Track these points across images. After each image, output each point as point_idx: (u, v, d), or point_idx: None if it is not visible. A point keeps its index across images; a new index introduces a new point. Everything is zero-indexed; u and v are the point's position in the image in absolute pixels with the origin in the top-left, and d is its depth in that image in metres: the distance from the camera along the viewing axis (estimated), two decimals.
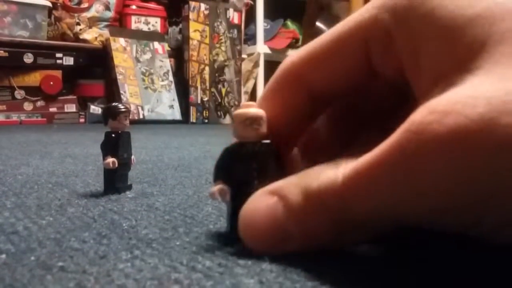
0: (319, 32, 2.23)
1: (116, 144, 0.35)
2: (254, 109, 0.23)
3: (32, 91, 1.87)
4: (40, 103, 1.91)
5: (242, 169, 0.23)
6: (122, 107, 0.35)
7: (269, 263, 0.20)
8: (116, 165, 0.34)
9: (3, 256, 0.20)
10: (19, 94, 1.87)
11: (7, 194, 0.34)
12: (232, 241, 0.22)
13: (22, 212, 0.28)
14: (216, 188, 0.23)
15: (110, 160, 0.34)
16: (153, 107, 1.99)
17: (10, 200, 0.32)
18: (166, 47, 2.06)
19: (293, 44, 2.23)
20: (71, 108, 1.95)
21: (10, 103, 1.85)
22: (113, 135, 0.35)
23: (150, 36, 2.05)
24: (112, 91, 1.94)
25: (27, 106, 1.89)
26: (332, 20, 2.42)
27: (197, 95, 2.06)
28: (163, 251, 0.21)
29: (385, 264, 0.20)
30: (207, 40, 2.06)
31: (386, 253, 0.21)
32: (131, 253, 0.21)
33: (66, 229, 0.25)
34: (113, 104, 0.35)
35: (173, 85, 2.02)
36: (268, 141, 0.23)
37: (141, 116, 1.94)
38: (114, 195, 0.34)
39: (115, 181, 0.35)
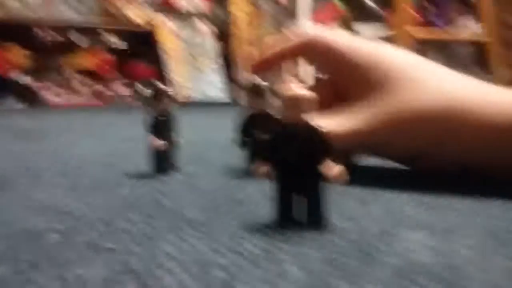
0: (363, 5, 2.12)
1: (162, 126, 0.35)
2: (300, 90, 0.22)
3: (88, 75, 1.93)
4: (95, 86, 1.98)
5: (285, 150, 0.23)
6: (167, 89, 0.35)
7: (315, 250, 0.19)
8: (163, 146, 0.35)
9: (56, 235, 0.21)
10: (76, 78, 1.95)
11: (63, 174, 0.36)
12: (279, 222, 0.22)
13: (75, 193, 0.29)
14: (258, 168, 0.23)
15: (156, 141, 0.35)
16: (201, 88, 2.01)
17: (65, 180, 0.33)
18: (213, 28, 2.07)
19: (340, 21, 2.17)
20: (124, 90, 2.01)
21: (67, 86, 1.93)
22: (159, 117, 0.35)
23: (197, 17, 2.06)
24: (161, 73, 1.98)
25: (83, 89, 1.97)
26: None
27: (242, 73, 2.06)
28: (207, 233, 0.21)
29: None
30: (253, 20, 2.05)
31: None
32: (176, 235, 0.21)
33: (116, 210, 0.25)
34: (158, 86, 0.36)
35: (221, 67, 2.03)
36: (313, 123, 0.23)
37: (189, 98, 1.97)
38: (161, 176, 0.35)
39: (162, 163, 0.36)
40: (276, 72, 0.39)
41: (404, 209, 0.26)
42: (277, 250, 0.19)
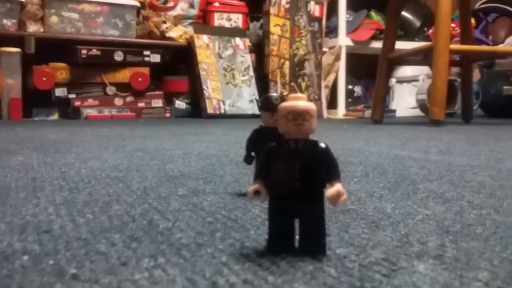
0: (404, 21, 2.08)
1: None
2: (300, 102, 0.20)
3: (122, 87, 1.97)
4: (129, 99, 2.01)
5: (282, 169, 0.20)
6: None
7: (303, 282, 0.17)
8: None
9: (26, 257, 0.19)
10: (110, 90, 1.99)
11: (63, 188, 0.34)
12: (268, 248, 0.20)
13: (66, 209, 0.28)
14: (252, 188, 0.20)
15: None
16: (234, 101, 2.01)
17: (62, 195, 0.32)
18: (247, 43, 2.07)
19: (377, 36, 2.13)
20: (158, 103, 2.03)
21: (102, 98, 1.97)
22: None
23: (232, 32, 2.07)
24: (196, 87, 1.99)
25: (118, 101, 2.00)
26: (419, 9, 2.27)
27: (277, 89, 2.05)
28: (189, 260, 0.19)
29: None
30: (287, 35, 2.04)
31: None
32: (154, 261, 0.19)
33: (100, 229, 0.24)
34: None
35: (253, 80, 2.03)
36: (315, 139, 0.21)
37: (222, 111, 1.97)
38: (165, 192, 0.33)
39: None
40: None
41: (422, 237, 0.23)
42: (262, 281, 0.17)
